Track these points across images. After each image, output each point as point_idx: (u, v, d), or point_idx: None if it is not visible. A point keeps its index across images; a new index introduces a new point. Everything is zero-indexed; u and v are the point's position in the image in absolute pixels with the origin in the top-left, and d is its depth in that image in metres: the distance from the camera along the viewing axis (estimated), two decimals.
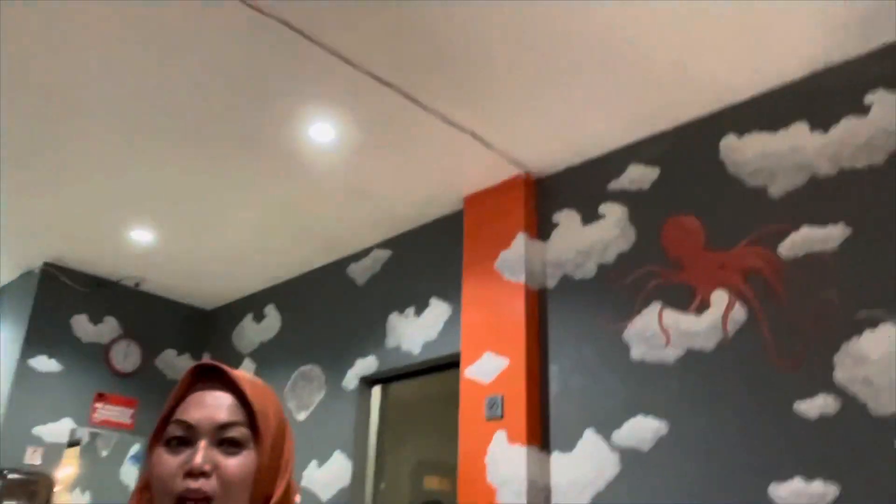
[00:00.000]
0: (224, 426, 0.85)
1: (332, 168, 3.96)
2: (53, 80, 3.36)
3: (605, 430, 3.28)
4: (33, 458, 4.98)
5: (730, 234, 3.15)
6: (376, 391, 4.62)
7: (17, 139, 3.84)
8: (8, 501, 4.72)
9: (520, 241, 3.77)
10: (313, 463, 4.59)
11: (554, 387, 3.55)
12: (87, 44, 3.11)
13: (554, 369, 3.57)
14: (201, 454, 0.82)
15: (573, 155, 3.76)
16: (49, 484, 4.97)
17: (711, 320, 3.09)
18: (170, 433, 0.85)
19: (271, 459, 0.86)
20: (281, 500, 0.87)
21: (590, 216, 3.67)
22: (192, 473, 0.81)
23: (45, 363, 5.17)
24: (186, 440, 0.84)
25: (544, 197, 3.91)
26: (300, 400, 4.92)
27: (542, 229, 3.85)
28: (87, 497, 5.37)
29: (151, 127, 3.68)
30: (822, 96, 3.04)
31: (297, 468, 4.63)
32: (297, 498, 0.92)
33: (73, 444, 5.25)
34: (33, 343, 5.14)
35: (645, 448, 3.14)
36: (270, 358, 5.34)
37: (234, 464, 0.83)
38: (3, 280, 5.73)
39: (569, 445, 3.38)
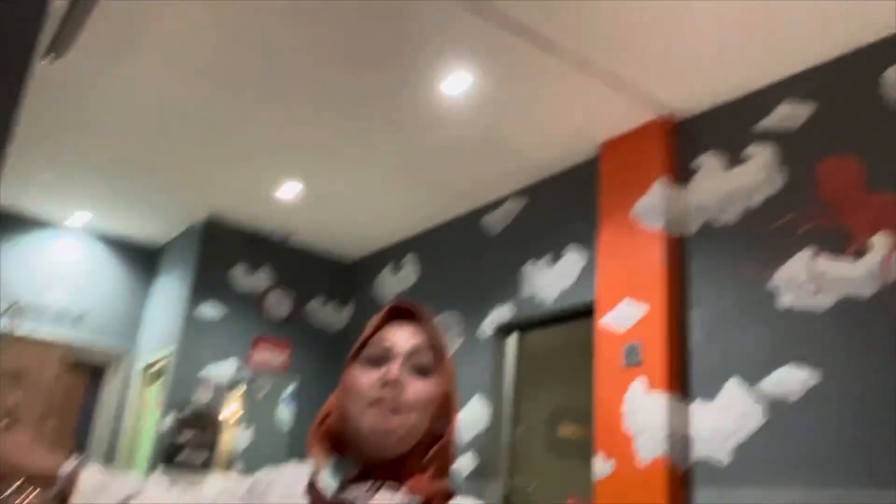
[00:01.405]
0: (416, 351, 0.96)
1: (465, 119, 4.02)
2: (213, 60, 3.62)
3: (750, 379, 3.19)
4: (203, 395, 5.50)
5: (893, 173, 2.92)
6: (512, 339, 4.72)
7: (183, 110, 4.18)
8: (184, 433, 5.26)
9: (659, 187, 3.68)
10: None
11: (696, 334, 3.48)
12: (236, 23, 3.31)
13: (695, 317, 3.50)
14: (397, 368, 0.93)
15: (717, 94, 3.59)
16: (217, 418, 5.48)
17: (869, 266, 2.90)
18: (368, 353, 0.97)
19: (447, 393, 0.97)
20: (451, 434, 0.97)
21: (735, 159, 3.51)
22: (388, 383, 0.91)
23: (209, 310, 5.66)
24: (381, 360, 0.95)
25: (685, 140, 3.77)
26: None
27: (682, 174, 3.73)
28: (250, 433, 5.87)
29: (295, 89, 3.89)
30: None
31: None
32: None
33: (235, 384, 5.74)
34: (199, 291, 5.64)
35: (793, 398, 3.03)
36: None
37: (422, 386, 0.94)
38: (170, 235, 6.28)
39: (710, 394, 3.32)
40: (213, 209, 5.67)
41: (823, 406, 2.93)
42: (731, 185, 3.49)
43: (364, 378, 0.94)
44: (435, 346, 0.97)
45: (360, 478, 0.90)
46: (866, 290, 2.90)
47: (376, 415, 0.90)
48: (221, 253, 5.78)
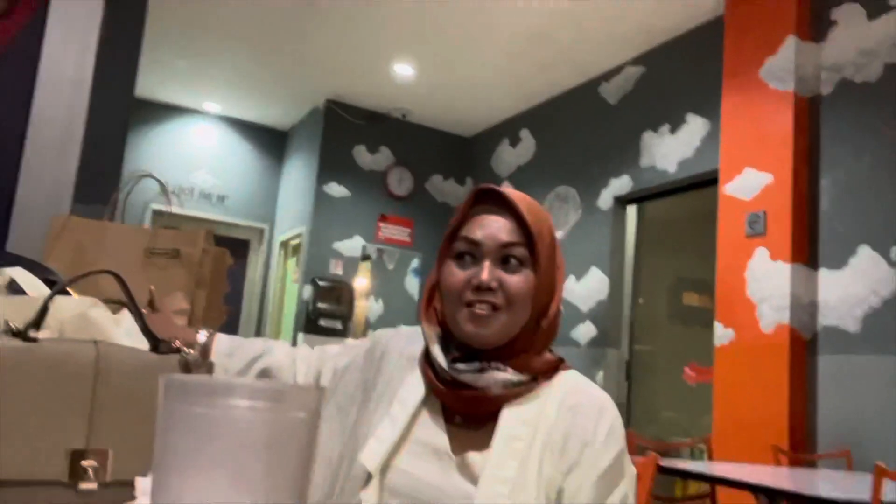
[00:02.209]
0: (506, 245, 0.91)
1: None
2: None
3: (884, 246, 3.06)
4: (336, 268, 5.91)
5: None
6: (631, 210, 4.69)
7: None
8: (321, 303, 5.71)
9: (789, 45, 3.43)
10: (571, 278, 4.88)
11: (825, 202, 3.33)
12: None
13: (825, 184, 3.34)
14: (487, 271, 0.90)
15: None
16: (350, 290, 5.90)
17: None
18: (457, 248, 0.94)
19: (546, 276, 0.92)
20: (553, 315, 0.94)
21: (878, 8, 3.19)
22: (480, 288, 0.89)
23: (336, 189, 5.96)
24: (473, 255, 0.92)
25: None
26: (557, 219, 5.16)
27: (816, 29, 3.45)
28: (380, 304, 6.28)
29: None
30: None
31: None
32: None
33: (365, 258, 6.10)
34: (325, 171, 5.92)
35: None
36: (527, 180, 5.60)
37: (516, 280, 0.90)
38: (295, 118, 6.55)
39: (839, 262, 3.22)
40: (333, 91, 5.83)
41: None
42: (873, 37, 3.19)
43: (457, 276, 0.92)
44: (528, 233, 0.91)
45: (468, 357, 0.91)
46: None
47: (472, 318, 0.89)
48: (343, 134, 5.99)
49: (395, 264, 6.36)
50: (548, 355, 0.96)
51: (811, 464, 3.08)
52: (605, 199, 4.72)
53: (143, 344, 0.91)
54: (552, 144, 5.38)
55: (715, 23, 3.94)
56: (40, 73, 2.03)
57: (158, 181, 1.46)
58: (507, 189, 0.94)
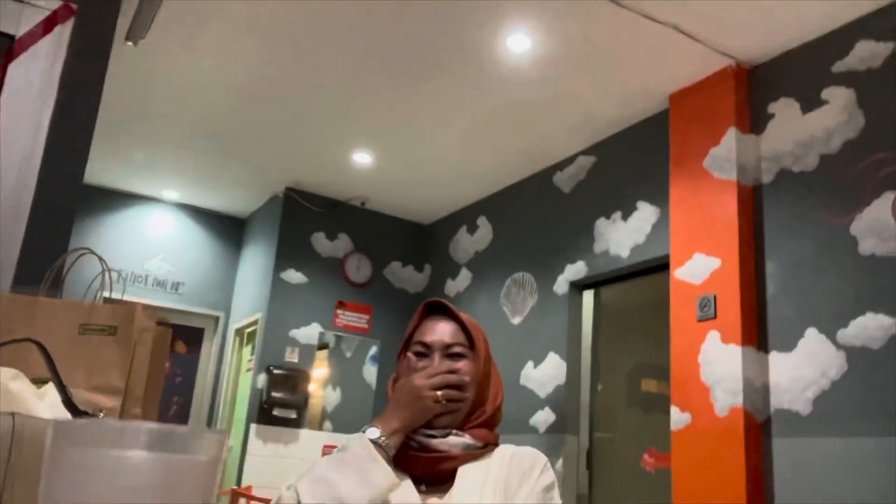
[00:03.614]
0: (450, 345, 1.21)
1: (531, 77, 4.01)
2: (282, 37, 3.74)
3: (830, 329, 3.13)
4: (291, 356, 5.79)
5: None
6: (587, 295, 4.74)
7: (257, 87, 4.35)
8: (275, 392, 5.57)
9: (731, 137, 3.60)
10: (529, 364, 4.86)
11: (771, 286, 3.42)
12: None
13: (770, 267, 3.43)
14: (437, 361, 1.19)
15: (790, 38, 3.46)
16: (306, 378, 5.77)
17: None
18: (414, 349, 1.22)
19: (484, 368, 1.22)
20: (495, 401, 1.23)
21: (811, 103, 3.39)
22: (434, 374, 1.16)
23: (293, 275, 5.92)
24: (425, 354, 1.21)
25: (757, 87, 3.66)
26: (514, 305, 5.18)
27: (755, 122, 3.63)
28: (338, 393, 6.14)
29: (362, 59, 3.98)
30: None
31: (514, 369, 4.94)
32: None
33: (322, 346, 6.01)
34: (283, 258, 5.90)
35: (875, 346, 2.96)
36: (485, 267, 5.65)
37: (460, 365, 1.19)
38: (254, 205, 6.57)
39: (788, 345, 3.28)
40: (292, 179, 5.89)
41: None
42: (807, 130, 3.37)
43: (416, 366, 1.19)
44: (467, 332, 1.21)
45: (429, 426, 1.16)
46: None
47: (430, 400, 1.14)
48: (302, 221, 6.01)
49: (353, 352, 6.28)
50: (493, 433, 1.22)
51: None
52: (561, 285, 4.77)
53: (66, 416, 0.87)
54: (509, 231, 5.47)
55: (661, 115, 4.12)
56: None
57: (99, 258, 1.43)
58: (449, 303, 1.25)
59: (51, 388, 0.93)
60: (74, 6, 2.32)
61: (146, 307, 1.41)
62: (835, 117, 3.27)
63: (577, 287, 4.73)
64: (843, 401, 3.02)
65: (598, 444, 4.51)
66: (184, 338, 6.55)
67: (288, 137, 5.12)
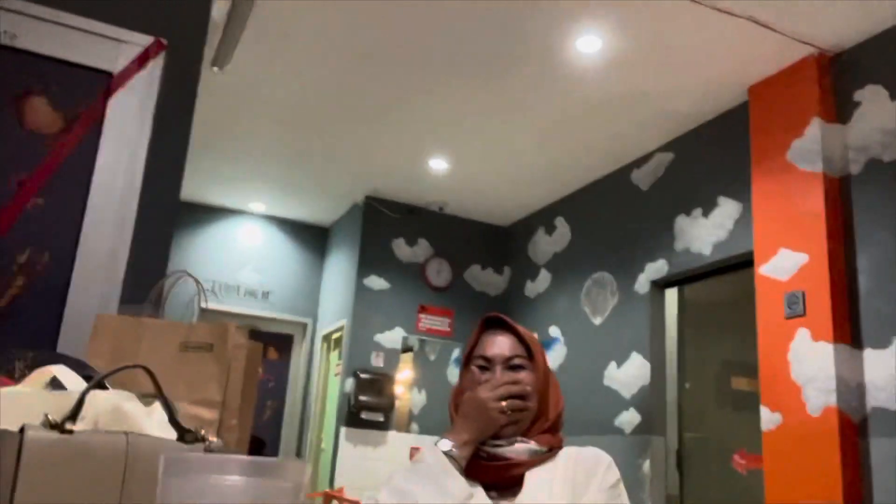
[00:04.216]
0: (510, 357, 1.26)
1: (605, 76, 3.99)
2: (357, 48, 3.87)
3: None
4: (377, 360, 5.95)
5: None
6: (669, 294, 4.66)
7: (336, 99, 4.51)
8: (363, 396, 5.73)
9: (814, 127, 3.48)
10: (612, 364, 4.82)
11: (863, 280, 3.29)
12: (376, 7, 3.52)
13: (862, 262, 3.30)
14: (499, 374, 1.25)
15: (874, 23, 3.32)
16: (391, 381, 5.91)
17: None
18: (476, 363, 1.28)
19: (544, 378, 1.26)
20: (556, 407, 1.27)
21: None
22: (496, 387, 1.21)
23: (376, 281, 6.08)
24: (486, 368, 1.27)
25: (841, 75, 3.52)
26: (594, 306, 5.15)
27: (840, 111, 3.50)
28: (423, 395, 6.25)
29: (438, 66, 4.06)
30: None
31: (597, 369, 4.91)
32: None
33: (406, 349, 6.13)
34: (365, 265, 6.06)
35: None
36: (564, 267, 5.63)
37: (521, 376, 1.24)
38: (336, 214, 6.77)
39: (884, 342, 3.15)
40: (371, 187, 6.04)
41: None
42: None
43: (478, 378, 1.25)
44: (525, 345, 1.27)
45: (496, 436, 1.21)
46: None
47: (497, 401, 1.19)
48: (382, 228, 6.16)
49: (437, 355, 6.37)
50: (557, 436, 1.27)
51: None
52: (642, 284, 4.71)
53: (172, 434, 0.97)
54: (587, 231, 5.44)
55: (740, 108, 4.02)
56: (94, 182, 2.20)
57: (195, 279, 1.55)
58: (506, 317, 1.30)
59: (157, 407, 1.03)
60: (165, 41, 2.48)
61: (238, 326, 1.52)
62: None
63: (659, 285, 4.66)
64: None
65: (688, 445, 4.43)
66: (275, 344, 6.82)
67: (366, 147, 5.26)
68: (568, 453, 1.23)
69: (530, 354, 1.26)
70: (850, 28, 3.37)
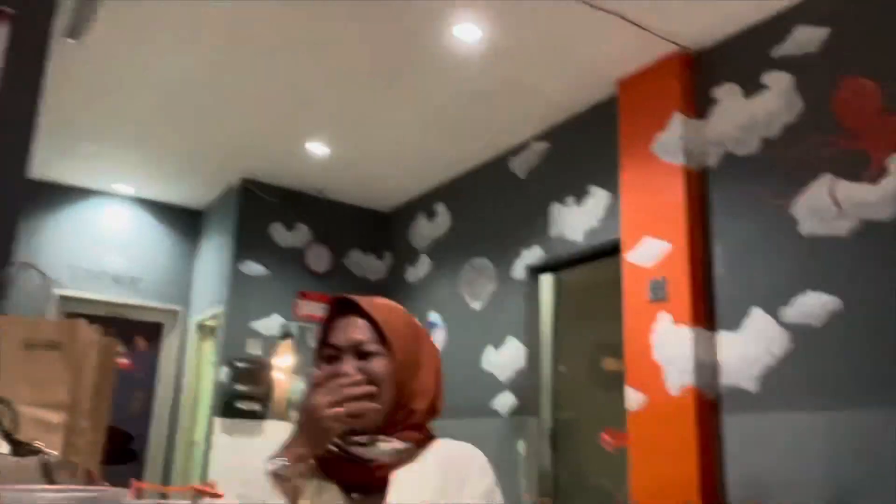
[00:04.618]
0: (360, 343, 1.12)
1: (482, 65, 4.04)
2: (233, 24, 3.71)
3: (773, 308, 3.23)
4: (254, 348, 5.78)
5: None
6: (544, 279, 4.81)
7: (208, 75, 4.30)
8: (239, 385, 5.56)
9: (677, 121, 3.67)
10: (489, 348, 4.93)
11: (719, 267, 3.52)
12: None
13: (718, 250, 3.53)
14: (346, 364, 1.10)
15: (731, 23, 3.54)
16: (269, 369, 5.77)
17: (888, 189, 2.89)
18: (325, 353, 1.14)
19: (406, 358, 1.12)
20: (424, 394, 1.13)
21: (752, 88, 3.47)
22: (341, 377, 1.07)
23: (253, 267, 5.89)
24: (336, 357, 1.12)
25: (702, 72, 3.73)
26: (473, 291, 5.24)
27: (700, 107, 3.71)
28: (303, 382, 6.13)
29: (314, 45, 3.96)
30: None
31: (475, 354, 5.00)
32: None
33: (285, 336, 6.00)
34: (242, 250, 5.87)
35: (817, 324, 3.07)
36: (443, 253, 5.69)
37: (372, 366, 1.10)
38: (211, 198, 6.50)
39: (735, 324, 3.38)
40: (248, 170, 5.84)
41: (847, 330, 2.97)
42: (749, 114, 3.46)
43: (324, 372, 1.11)
44: (379, 330, 1.12)
45: (354, 433, 1.08)
46: (886, 213, 2.89)
47: (341, 409, 1.04)
48: (259, 212, 5.97)
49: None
50: (425, 430, 1.16)
51: None
52: (519, 270, 4.83)
53: (3, 447, 0.89)
54: (467, 218, 5.51)
55: (610, 101, 4.18)
56: None
57: (40, 272, 1.44)
58: (360, 297, 1.16)
59: None
60: (10, 11, 2.28)
61: (86, 322, 1.41)
62: (775, 102, 3.36)
63: (535, 271, 4.79)
64: (788, 377, 3.14)
65: (561, 424, 4.60)
66: (144, 333, 6.48)
67: (242, 128, 5.07)
68: (439, 450, 1.14)
69: (386, 339, 1.12)
70: (711, 27, 3.58)
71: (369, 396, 1.06)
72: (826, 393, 3.00)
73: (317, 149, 5.34)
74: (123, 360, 6.28)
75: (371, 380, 1.07)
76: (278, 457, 1.02)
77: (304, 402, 1.06)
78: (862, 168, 2.99)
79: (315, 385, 1.07)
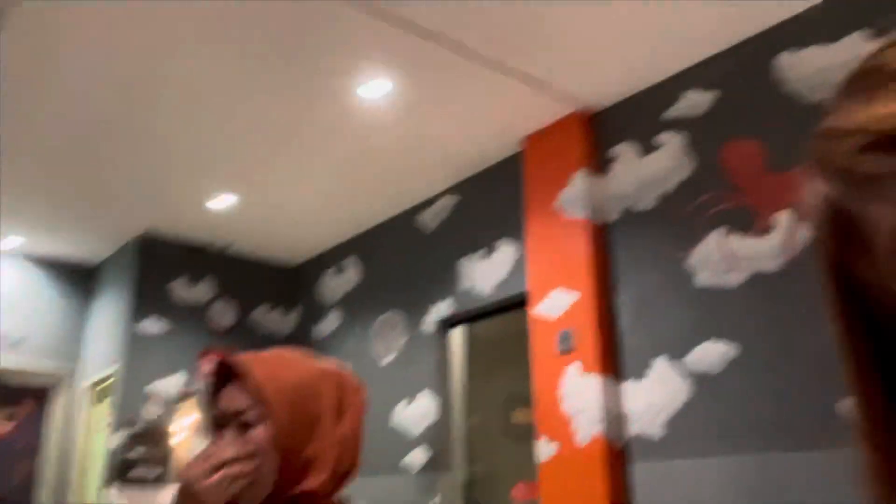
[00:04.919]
0: (238, 413, 1.00)
1: (389, 122, 4.08)
2: (135, 73, 3.60)
3: (676, 356, 3.35)
4: (153, 410, 5.48)
5: (791, 153, 3.10)
6: (455, 332, 4.82)
7: (107, 126, 4.14)
8: (135, 451, 5.24)
9: (579, 178, 3.81)
10: (402, 402, 4.86)
11: (623, 318, 3.63)
12: (157, 34, 3.31)
13: (622, 301, 3.65)
14: (226, 434, 1.00)
15: (627, 86, 3.73)
16: (168, 433, 5.47)
17: (775, 242, 3.08)
18: (206, 425, 1.05)
19: (293, 420, 0.98)
20: (320, 461, 0.99)
21: (647, 147, 3.66)
22: (216, 450, 0.96)
23: (152, 326, 5.62)
24: (222, 426, 1.01)
25: (601, 131, 3.91)
26: (384, 345, 5.18)
27: (601, 164, 3.87)
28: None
29: (219, 101, 3.90)
30: (879, 1, 2.91)
31: (386, 410, 4.92)
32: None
33: (186, 396, 5.72)
34: (140, 308, 5.59)
35: (715, 371, 3.20)
36: (354, 307, 5.62)
37: (250, 437, 0.98)
38: (105, 253, 6.20)
39: (640, 373, 3.48)
40: (148, 224, 5.62)
41: (744, 376, 3.10)
42: (646, 172, 3.64)
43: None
44: (260, 394, 0.99)
45: None
46: (774, 265, 3.08)
47: (207, 475, 0.94)
48: (160, 267, 5.74)
49: None
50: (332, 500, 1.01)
51: None
52: (429, 323, 4.82)
53: None
54: (377, 271, 5.49)
55: (516, 156, 4.31)
56: None
57: None
58: (246, 355, 1.03)
59: None
60: None
61: None
62: (669, 160, 3.55)
63: (445, 324, 4.80)
64: (691, 424, 3.24)
65: (475, 479, 4.56)
66: (29, 398, 6.03)
67: (141, 180, 4.89)
68: None
69: (267, 406, 0.98)
70: (609, 88, 3.76)
71: (248, 469, 0.94)
72: (727, 438, 3.11)
73: (223, 202, 5.21)
74: (3, 428, 5.82)
75: (248, 452, 0.95)
76: None
77: (178, 476, 0.95)
78: (750, 223, 3.18)
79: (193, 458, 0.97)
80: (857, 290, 0.32)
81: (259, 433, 0.98)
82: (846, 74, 0.32)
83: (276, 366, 1.03)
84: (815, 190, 0.32)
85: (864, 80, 0.31)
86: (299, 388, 1.01)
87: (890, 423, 0.32)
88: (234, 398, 1.01)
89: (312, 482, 0.98)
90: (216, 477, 0.92)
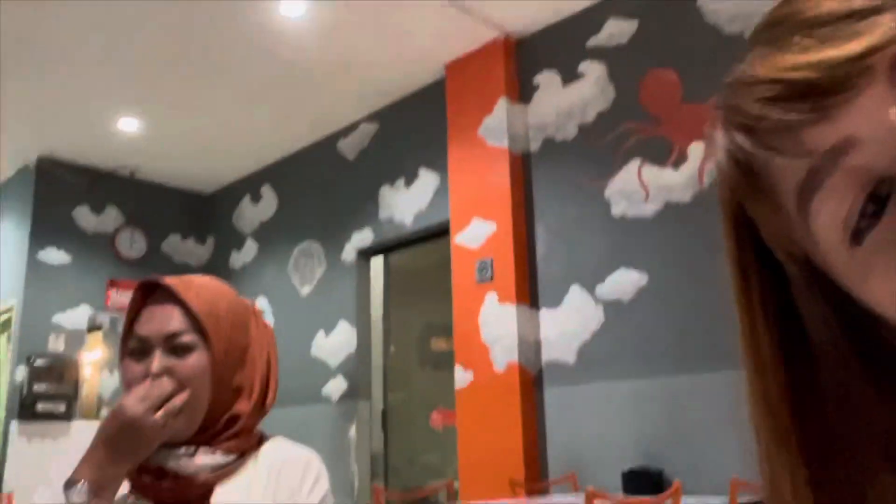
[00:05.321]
0: (172, 335, 0.95)
1: (309, 42, 3.90)
2: None
3: (590, 285, 3.42)
4: (56, 344, 5.25)
5: (707, 85, 3.13)
6: (375, 262, 4.78)
7: (13, 30, 3.80)
8: (38, 384, 5.03)
9: (501, 106, 3.77)
10: (320, 333, 4.82)
11: (540, 247, 3.66)
12: None
13: (540, 231, 3.68)
14: (156, 362, 0.93)
15: (552, 13, 3.67)
16: (74, 366, 5.27)
17: (689, 173, 3.14)
18: (131, 347, 0.97)
19: (229, 349, 0.97)
20: (253, 393, 1.00)
21: (570, 76, 3.63)
22: (153, 378, 0.93)
23: (54, 255, 5.34)
24: (145, 351, 0.95)
25: (524, 59, 3.86)
26: (303, 275, 5.10)
27: (523, 92, 3.83)
28: (115, 377, 5.68)
29: (128, 18, 3.61)
30: None
31: (305, 340, 4.87)
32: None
33: (95, 328, 5.50)
34: (40, 236, 5.29)
35: (626, 299, 3.29)
36: (271, 237, 5.48)
37: (187, 364, 0.94)
38: (1, 178, 5.80)
39: (556, 301, 3.54)
40: (47, 147, 5.26)
41: (653, 304, 3.20)
42: (567, 101, 3.62)
43: (132, 372, 0.95)
44: (197, 317, 0.96)
45: (177, 444, 0.94)
46: (687, 196, 3.15)
47: (151, 413, 0.90)
48: (61, 193, 5.42)
49: None
50: (252, 435, 1.02)
51: (544, 491, 3.30)
52: (349, 253, 4.76)
53: None
54: (295, 200, 5.34)
55: (439, 83, 4.21)
56: None
57: None
58: (174, 279, 0.99)
59: None
60: None
61: None
62: (590, 89, 3.54)
63: (365, 254, 4.75)
64: (602, 350, 3.34)
65: (393, 406, 4.61)
66: None
67: (37, 99, 4.54)
68: (269, 457, 1.00)
69: (204, 331, 0.95)
70: (533, 15, 3.69)
71: (188, 399, 0.92)
72: (637, 362, 3.23)
73: (128, 125, 4.92)
74: None
75: (184, 379, 0.93)
76: (78, 478, 0.86)
77: (114, 411, 0.90)
78: (666, 154, 3.23)
79: (126, 387, 0.93)
80: (754, 234, 0.34)
81: (195, 359, 0.95)
82: (758, 22, 0.32)
83: (211, 293, 0.99)
84: (721, 138, 0.33)
85: (774, 29, 0.31)
86: (232, 318, 0.99)
87: (774, 351, 0.34)
88: (166, 320, 0.95)
89: (241, 415, 0.98)
90: (160, 413, 0.89)
